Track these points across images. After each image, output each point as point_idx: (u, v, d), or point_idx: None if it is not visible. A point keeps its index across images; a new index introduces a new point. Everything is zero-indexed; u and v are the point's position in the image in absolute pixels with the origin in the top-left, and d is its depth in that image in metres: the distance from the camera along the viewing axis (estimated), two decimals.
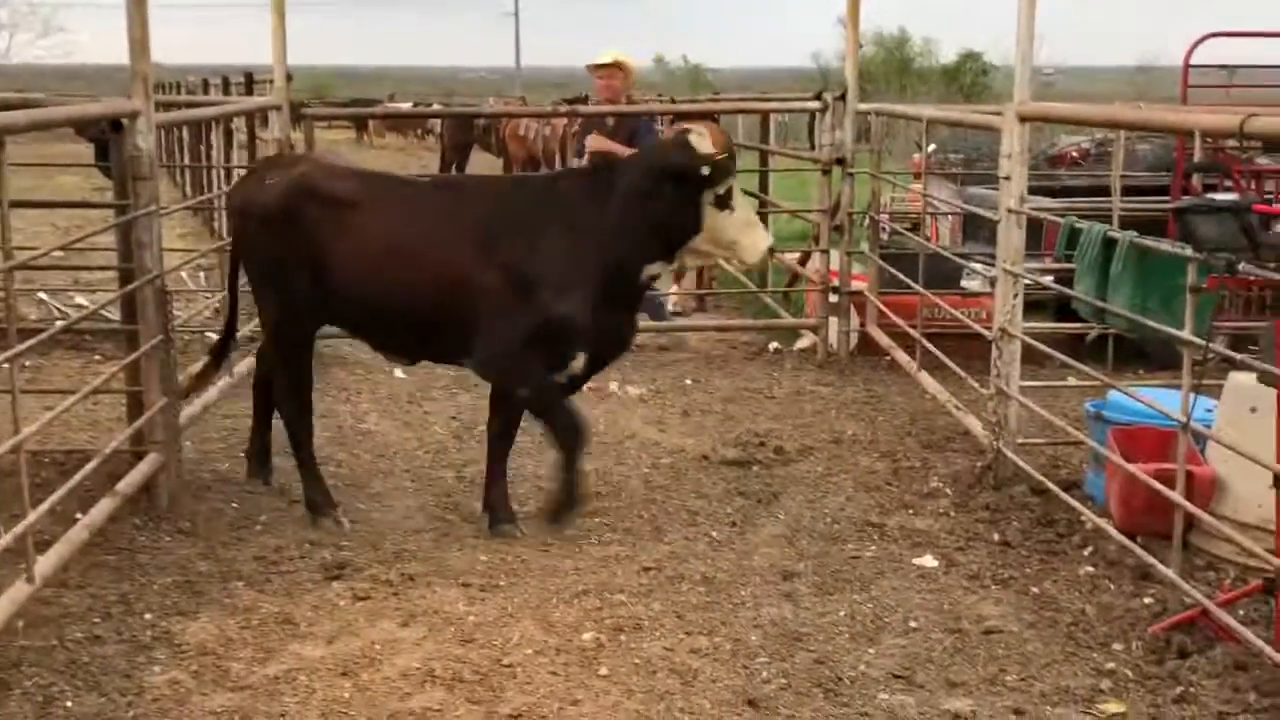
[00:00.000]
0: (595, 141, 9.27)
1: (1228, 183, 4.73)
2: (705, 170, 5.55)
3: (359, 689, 4.40)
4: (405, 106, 31.16)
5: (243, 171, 11.77)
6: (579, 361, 5.74)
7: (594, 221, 5.71)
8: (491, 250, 5.68)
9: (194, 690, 4.39)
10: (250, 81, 14.39)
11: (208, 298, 9.97)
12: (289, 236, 5.81)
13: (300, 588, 5.25)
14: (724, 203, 5.65)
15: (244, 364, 8.23)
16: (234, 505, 6.17)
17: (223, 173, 13.36)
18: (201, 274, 12.07)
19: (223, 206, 12.97)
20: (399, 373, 8.91)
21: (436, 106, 30.94)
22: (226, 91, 16.40)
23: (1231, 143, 7.24)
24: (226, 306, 6.58)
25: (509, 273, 5.63)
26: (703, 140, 5.63)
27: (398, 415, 7.90)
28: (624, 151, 9.22)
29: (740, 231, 5.73)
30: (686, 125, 5.90)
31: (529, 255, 5.65)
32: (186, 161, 18.24)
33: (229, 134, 13.67)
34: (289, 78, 9.25)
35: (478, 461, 6.87)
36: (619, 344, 6.00)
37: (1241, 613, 4.75)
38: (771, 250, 5.86)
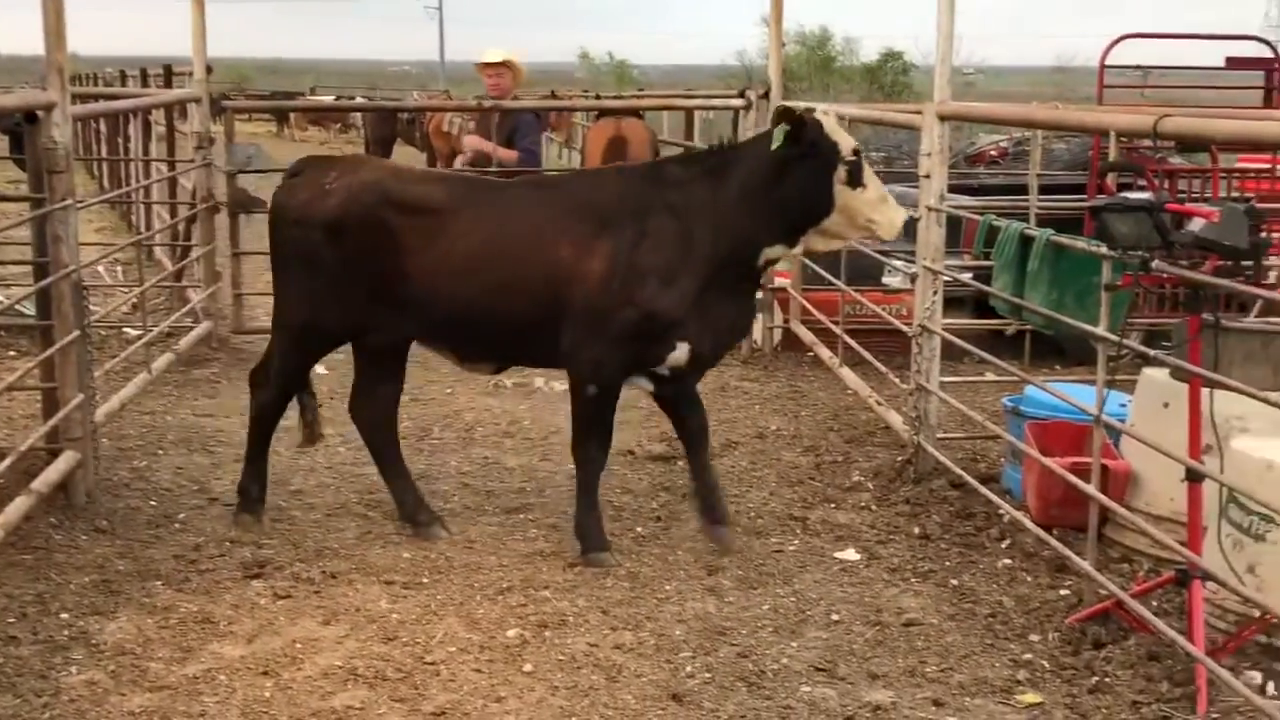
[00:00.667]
0: (472, 140, 9.27)
1: (1142, 182, 4.79)
2: (844, 150, 5.31)
3: (280, 688, 4.35)
4: (327, 99, 30.90)
5: (163, 166, 11.66)
6: (679, 353, 5.44)
7: (705, 207, 5.43)
8: (596, 239, 5.40)
9: (112, 690, 4.32)
10: (169, 74, 14.15)
11: (125, 293, 9.81)
12: (362, 247, 5.49)
13: (220, 586, 5.18)
14: (856, 180, 5.35)
15: (161, 360, 8.13)
16: (152, 503, 6.08)
17: (141, 166, 13.19)
18: (119, 268, 11.87)
19: (141, 200, 12.86)
20: (320, 368, 8.81)
21: (359, 100, 30.73)
22: (145, 84, 16.12)
23: (1146, 142, 7.38)
24: None
25: (612, 264, 5.35)
26: (829, 118, 5.44)
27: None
28: (505, 154, 9.23)
29: (875, 209, 5.41)
30: (810, 105, 5.66)
31: (634, 244, 5.37)
32: (104, 154, 17.93)
33: (147, 126, 13.49)
34: (209, 70, 9.13)
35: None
36: (732, 332, 5.79)
37: (1155, 604, 4.83)
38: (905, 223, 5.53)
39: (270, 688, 4.35)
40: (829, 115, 5.47)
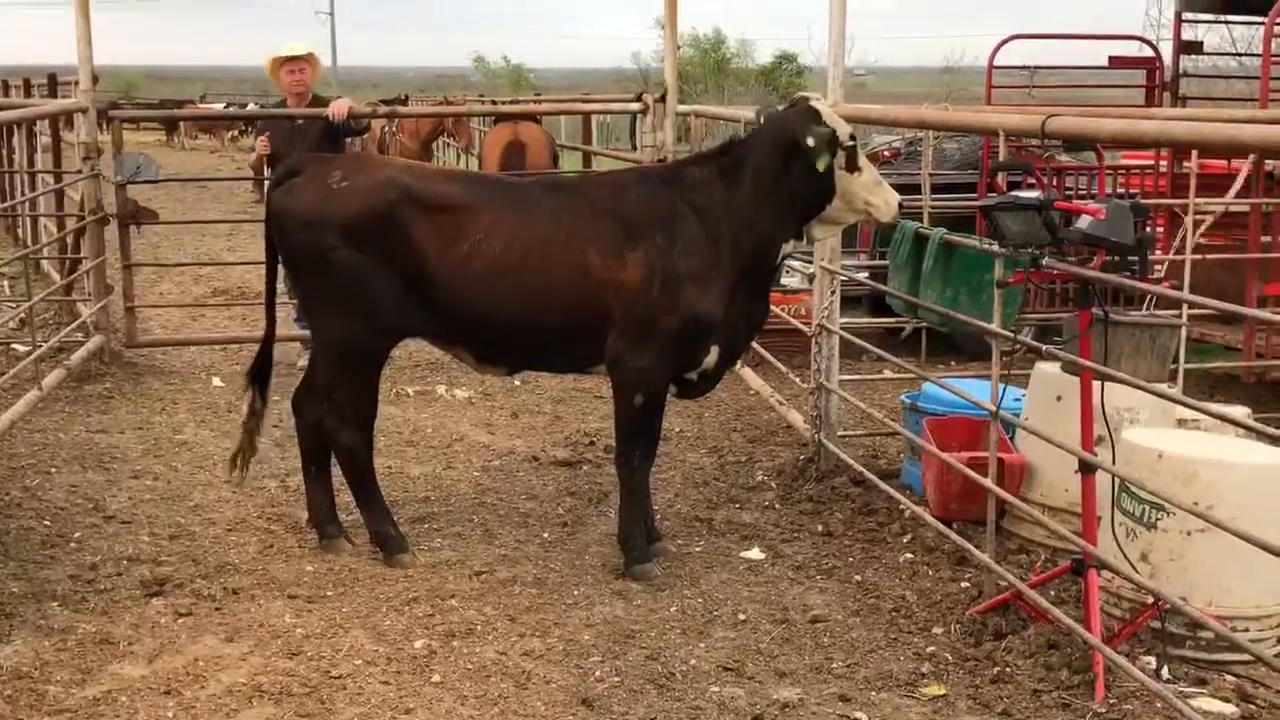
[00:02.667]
0: (262, 145, 8.96)
1: (1031, 180, 4.90)
2: (842, 135, 5.22)
3: (183, 708, 4.28)
4: (218, 107, 30.45)
5: (49, 178, 11.40)
6: (712, 356, 5.42)
7: (730, 206, 5.35)
8: (627, 247, 5.29)
9: (8, 716, 4.21)
10: (54, 83, 13.85)
11: (12, 307, 9.58)
12: (383, 244, 5.32)
13: (119, 606, 5.08)
14: (853, 164, 5.29)
15: (52, 376, 7.95)
16: (45, 522, 5.93)
17: (26, 177, 12.87)
18: (5, 283, 11.58)
19: (27, 213, 12.55)
20: (216, 381, 8.69)
21: (251, 107, 30.29)
22: (28, 94, 15.75)
23: (1034, 141, 7.52)
24: (265, 323, 5.98)
25: (648, 269, 5.25)
26: (823, 104, 5.38)
27: (216, 425, 7.69)
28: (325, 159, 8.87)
29: (871, 191, 5.35)
30: (805, 93, 5.55)
31: (667, 250, 5.28)
32: None
33: (32, 137, 13.17)
34: (95, 79, 8.95)
35: (301, 470, 6.75)
36: (750, 330, 5.74)
37: (1053, 593, 4.93)
38: (900, 206, 5.41)
39: (173, 708, 4.28)
40: (823, 102, 5.43)
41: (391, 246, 5.32)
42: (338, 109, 8.60)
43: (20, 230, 13.75)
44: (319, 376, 5.69)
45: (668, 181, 5.51)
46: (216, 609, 5.05)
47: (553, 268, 5.31)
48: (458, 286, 5.33)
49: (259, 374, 5.91)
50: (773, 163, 5.33)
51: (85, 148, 8.94)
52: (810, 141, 5.15)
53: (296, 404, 5.82)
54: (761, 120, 5.55)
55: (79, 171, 9.09)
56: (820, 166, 5.17)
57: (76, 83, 9.15)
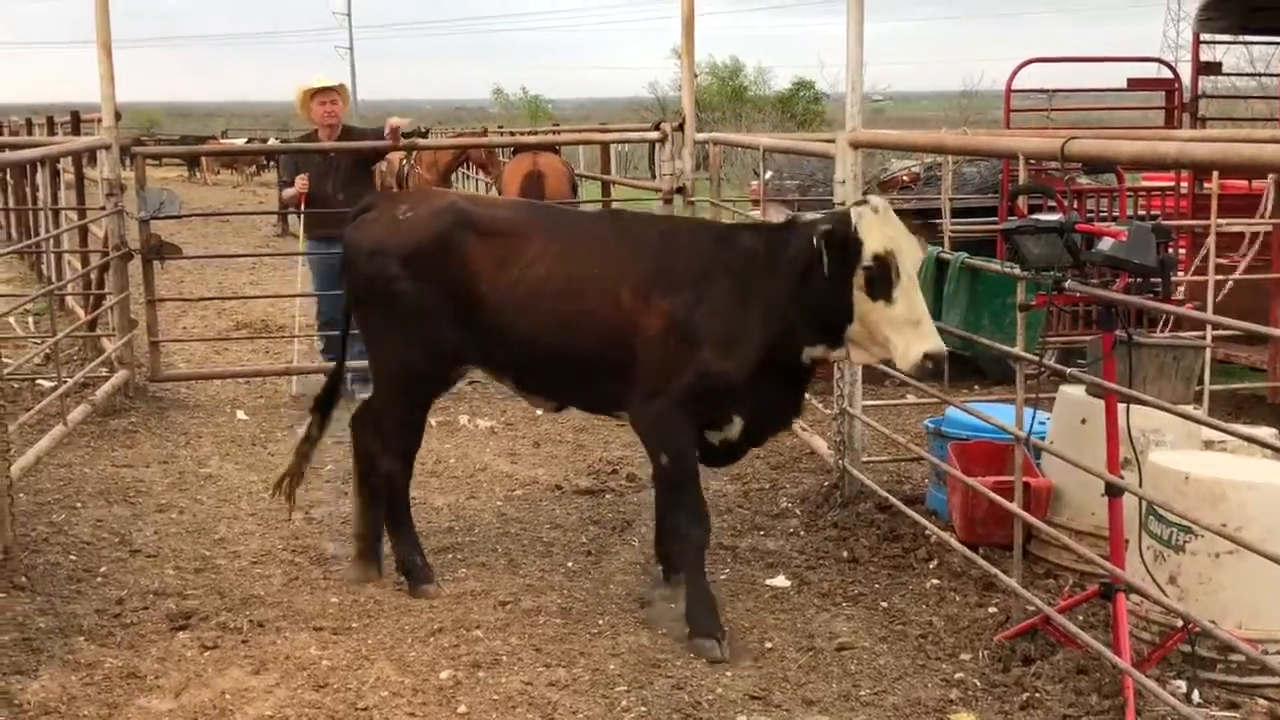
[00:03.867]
0: (300, 183, 9.05)
1: (1051, 203, 4.89)
2: (866, 252, 4.73)
3: None
4: (239, 142, 30.65)
5: (73, 214, 11.47)
6: (735, 427, 5.17)
7: (766, 282, 5.06)
8: (657, 293, 5.12)
9: None
10: (77, 120, 13.98)
11: (38, 343, 9.65)
12: (441, 270, 5.33)
13: (145, 640, 5.09)
14: (876, 290, 4.74)
15: (77, 411, 8.00)
16: (71, 557, 5.96)
17: (50, 214, 12.97)
18: (30, 319, 11.66)
19: (52, 250, 12.64)
20: (241, 414, 8.73)
21: (273, 142, 30.50)
22: (52, 131, 15.90)
23: (1054, 165, 7.51)
24: (339, 354, 6.08)
25: (670, 320, 5.07)
26: (872, 213, 4.80)
27: (241, 458, 7.73)
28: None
29: (895, 329, 4.73)
30: (867, 196, 5.18)
31: (694, 304, 5.06)
32: (11, 204, 17.62)
33: (55, 174, 13.28)
34: (118, 116, 9.02)
35: (325, 502, 6.79)
36: (780, 421, 5.43)
37: (1081, 618, 4.89)
38: (930, 358, 4.65)
39: None
40: (876, 214, 4.80)
41: (446, 271, 5.33)
42: (394, 123, 8.72)
43: (45, 267, 13.87)
44: (375, 403, 5.71)
45: (719, 239, 5.35)
46: (243, 641, 5.06)
47: (587, 297, 5.22)
48: (504, 311, 5.30)
49: (324, 402, 5.96)
50: (796, 254, 4.97)
51: (108, 184, 9.00)
52: (815, 240, 4.79)
53: (354, 425, 5.81)
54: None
55: (102, 208, 9.15)
56: (826, 270, 4.77)
57: (99, 120, 9.22)
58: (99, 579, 5.73)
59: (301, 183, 9.10)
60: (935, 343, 4.68)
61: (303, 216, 9.53)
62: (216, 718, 4.44)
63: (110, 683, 4.71)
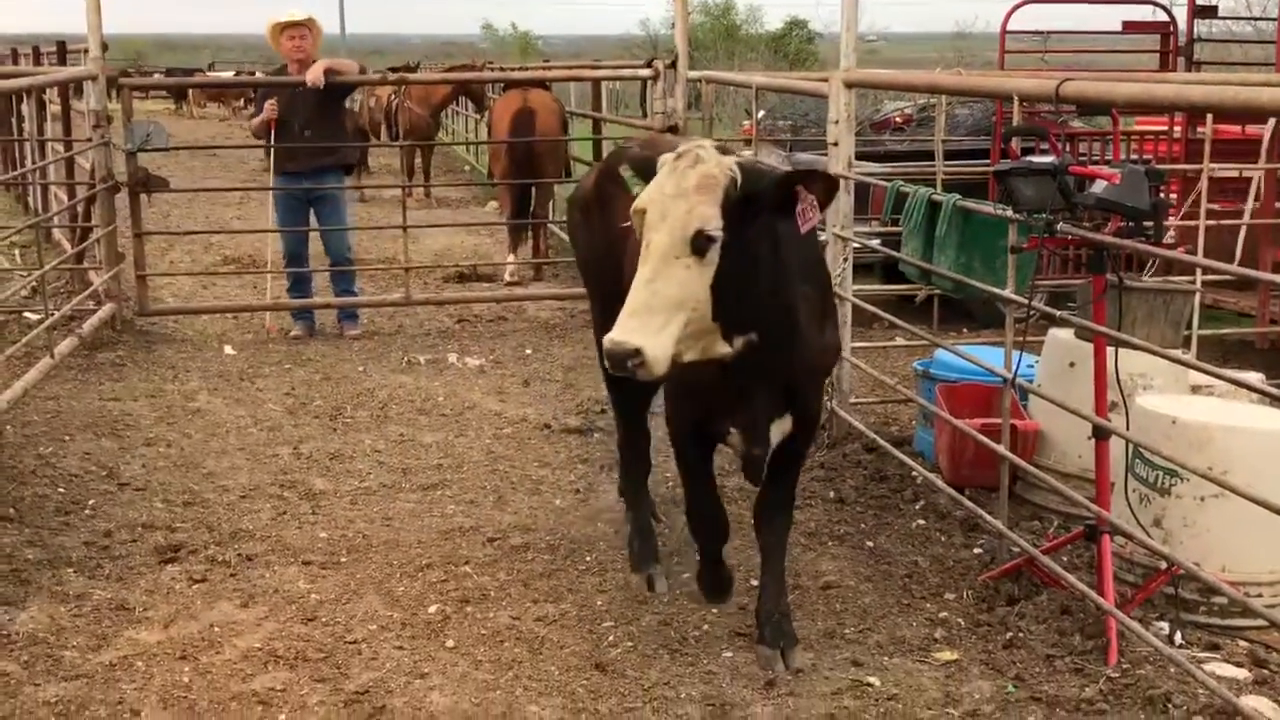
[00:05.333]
0: (270, 109, 8.99)
1: (1045, 145, 4.87)
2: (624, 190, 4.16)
3: (199, 672, 4.31)
4: (226, 75, 30.33)
5: (60, 146, 11.39)
6: (734, 436, 4.37)
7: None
8: None
9: (25, 681, 4.24)
10: (63, 51, 13.84)
11: (24, 276, 9.61)
12: (593, 218, 5.07)
13: (134, 572, 5.11)
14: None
15: (64, 344, 7.98)
16: (59, 490, 5.97)
17: (36, 146, 12.88)
18: (16, 252, 11.60)
19: (38, 182, 12.55)
20: (228, 349, 8.72)
21: (259, 75, 30.21)
22: (38, 62, 15.72)
23: (1048, 106, 7.48)
24: None
25: None
26: (671, 160, 3.84)
27: (229, 393, 7.72)
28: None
29: None
30: (703, 141, 3.99)
31: None
32: None
33: (42, 106, 13.17)
34: (105, 47, 8.94)
35: (314, 438, 6.80)
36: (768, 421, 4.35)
37: (1066, 559, 4.93)
38: (605, 351, 3.70)
39: (189, 672, 4.31)
40: (678, 159, 3.82)
41: (598, 221, 5.04)
42: (313, 75, 8.62)
43: (31, 199, 13.78)
44: None
45: None
46: (231, 575, 5.08)
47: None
48: (622, 265, 4.54)
49: None
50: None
51: (95, 116, 8.94)
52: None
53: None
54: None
55: (89, 140, 9.09)
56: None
57: (86, 51, 9.13)
58: (87, 511, 5.74)
59: (270, 107, 9.02)
60: (612, 335, 3.64)
61: (271, 152, 9.44)
62: (205, 649, 4.46)
63: (99, 614, 4.73)
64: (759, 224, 3.79)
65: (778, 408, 4.27)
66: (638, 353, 3.57)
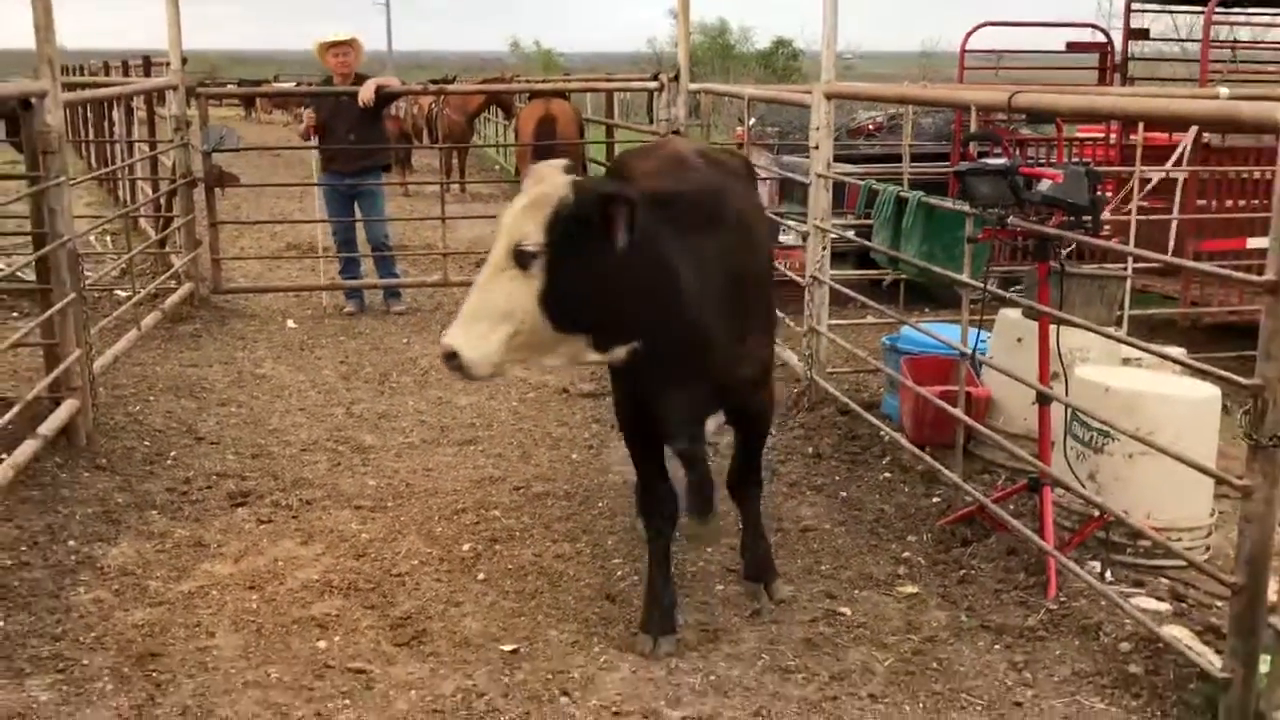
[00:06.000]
0: (308, 116, 8.96)
1: (998, 149, 4.84)
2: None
3: (265, 600, 4.33)
4: (289, 86, 30.22)
5: (145, 147, 11.36)
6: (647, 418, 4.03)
7: None
8: None
9: (116, 607, 4.27)
10: (148, 64, 13.79)
11: (115, 259, 9.61)
12: None
13: (209, 514, 5.13)
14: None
15: (149, 318, 7.99)
16: (145, 443, 5.98)
17: (125, 146, 12.85)
18: (108, 238, 11.59)
19: (126, 177, 12.53)
20: (290, 323, 8.71)
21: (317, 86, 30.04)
22: (126, 74, 15.67)
23: (1001, 115, 7.44)
24: None
25: None
26: (532, 183, 3.59)
27: (291, 360, 7.72)
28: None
29: None
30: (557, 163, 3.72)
31: None
32: (91, 137, 17.43)
33: (130, 112, 13.14)
34: (184, 60, 8.91)
35: (365, 400, 6.81)
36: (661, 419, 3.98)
37: (1012, 507, 4.93)
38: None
39: (257, 600, 4.33)
40: (536, 183, 3.55)
41: None
42: (365, 95, 8.60)
43: (120, 192, 13.76)
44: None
45: None
46: (293, 517, 5.09)
47: None
48: None
49: None
50: None
51: (176, 120, 8.92)
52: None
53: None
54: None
55: (170, 141, 9.07)
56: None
57: (167, 64, 9.09)
58: (169, 462, 5.76)
59: (309, 116, 9.02)
60: (444, 338, 3.41)
61: (319, 153, 9.41)
62: (270, 581, 4.48)
63: (179, 550, 4.75)
64: (595, 240, 3.38)
65: (706, 406, 3.90)
66: (455, 355, 3.36)
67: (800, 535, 4.96)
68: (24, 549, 4.69)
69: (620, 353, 3.61)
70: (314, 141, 9.29)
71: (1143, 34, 10.87)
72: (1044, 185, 4.26)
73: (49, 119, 5.54)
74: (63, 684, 3.75)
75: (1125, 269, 7.00)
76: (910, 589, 4.44)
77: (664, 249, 3.55)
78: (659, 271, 3.54)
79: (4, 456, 5.19)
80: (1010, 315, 5.55)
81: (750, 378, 4.05)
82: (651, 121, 12.33)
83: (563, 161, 3.65)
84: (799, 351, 6.90)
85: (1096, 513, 4.48)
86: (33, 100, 5.51)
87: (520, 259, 3.39)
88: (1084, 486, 4.49)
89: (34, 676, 3.79)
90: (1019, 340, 5.36)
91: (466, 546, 4.81)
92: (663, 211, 3.58)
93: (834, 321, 6.84)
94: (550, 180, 3.48)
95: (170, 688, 3.74)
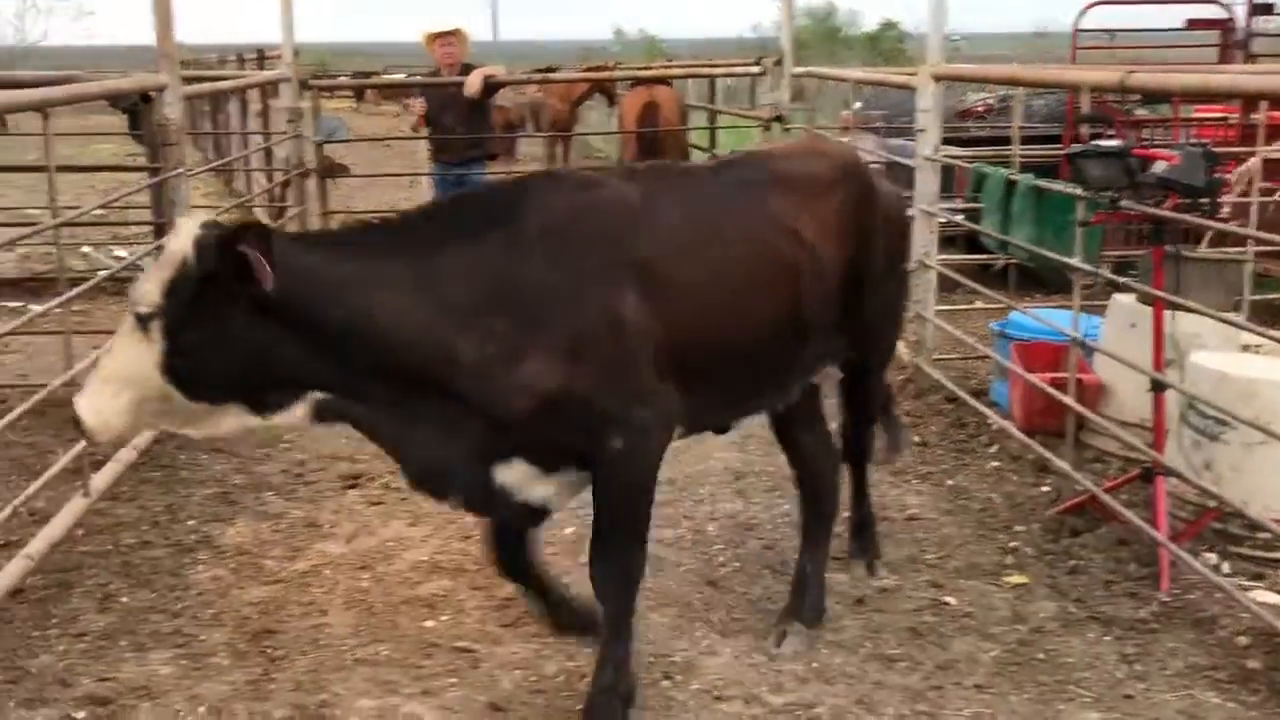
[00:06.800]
0: (418, 105, 8.94)
1: (1111, 131, 4.72)
2: None
3: (376, 580, 4.43)
4: (398, 77, 30.69)
5: (259, 138, 11.66)
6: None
7: None
8: None
9: (234, 584, 4.41)
10: (262, 58, 14.15)
11: None
12: None
13: (323, 495, 5.26)
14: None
15: None
16: None
17: (240, 138, 13.20)
18: None
19: (242, 169, 12.87)
20: None
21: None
22: (241, 67, 16.11)
23: (1114, 96, 7.26)
24: None
25: None
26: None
27: None
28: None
29: None
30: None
31: None
32: (209, 129, 17.95)
33: (244, 104, 13.49)
34: (296, 54, 9.11)
35: None
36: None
37: (1124, 497, 4.82)
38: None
39: (368, 580, 4.43)
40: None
41: None
42: (472, 87, 8.68)
43: (236, 183, 14.14)
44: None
45: None
46: (402, 499, 5.19)
47: None
48: None
49: None
50: None
51: (289, 112, 9.11)
52: None
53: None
54: None
55: (284, 133, 9.28)
56: None
57: (280, 57, 9.31)
58: (284, 445, 5.90)
59: (420, 105, 9.14)
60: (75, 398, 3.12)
61: (429, 143, 9.54)
62: (381, 560, 4.59)
63: (294, 530, 4.89)
64: (224, 297, 2.97)
65: (484, 455, 3.25)
66: (78, 421, 3.08)
67: (906, 524, 4.92)
68: (146, 528, 4.87)
69: (298, 412, 3.14)
70: (423, 132, 9.43)
71: (1267, 9, 10.49)
72: (1159, 167, 4.16)
73: (168, 112, 5.72)
74: (182, 658, 3.89)
75: (1245, 252, 6.78)
76: (1018, 579, 4.38)
77: (356, 280, 3.08)
78: (333, 311, 3.05)
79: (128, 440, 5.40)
80: (1123, 300, 5.42)
81: (517, 412, 3.16)
82: (754, 106, 12.26)
83: (203, 218, 3.14)
84: (905, 338, 6.82)
85: (1213, 503, 4.36)
86: (153, 94, 5.70)
87: (140, 322, 3.01)
88: (1200, 476, 4.38)
89: (155, 650, 3.94)
90: (1132, 326, 5.23)
91: (569, 530, 4.85)
92: (368, 239, 3.19)
93: (941, 307, 6.76)
94: (181, 234, 3.05)
95: (284, 664, 3.85)
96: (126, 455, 5.17)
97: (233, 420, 3.15)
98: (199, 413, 3.12)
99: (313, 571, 4.50)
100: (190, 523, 4.95)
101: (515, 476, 3.29)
